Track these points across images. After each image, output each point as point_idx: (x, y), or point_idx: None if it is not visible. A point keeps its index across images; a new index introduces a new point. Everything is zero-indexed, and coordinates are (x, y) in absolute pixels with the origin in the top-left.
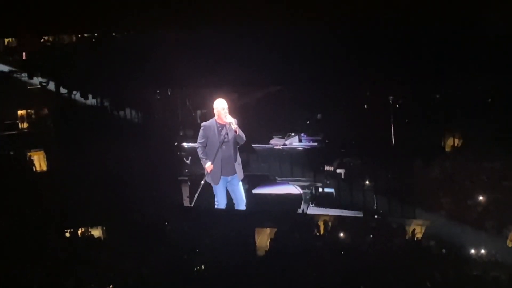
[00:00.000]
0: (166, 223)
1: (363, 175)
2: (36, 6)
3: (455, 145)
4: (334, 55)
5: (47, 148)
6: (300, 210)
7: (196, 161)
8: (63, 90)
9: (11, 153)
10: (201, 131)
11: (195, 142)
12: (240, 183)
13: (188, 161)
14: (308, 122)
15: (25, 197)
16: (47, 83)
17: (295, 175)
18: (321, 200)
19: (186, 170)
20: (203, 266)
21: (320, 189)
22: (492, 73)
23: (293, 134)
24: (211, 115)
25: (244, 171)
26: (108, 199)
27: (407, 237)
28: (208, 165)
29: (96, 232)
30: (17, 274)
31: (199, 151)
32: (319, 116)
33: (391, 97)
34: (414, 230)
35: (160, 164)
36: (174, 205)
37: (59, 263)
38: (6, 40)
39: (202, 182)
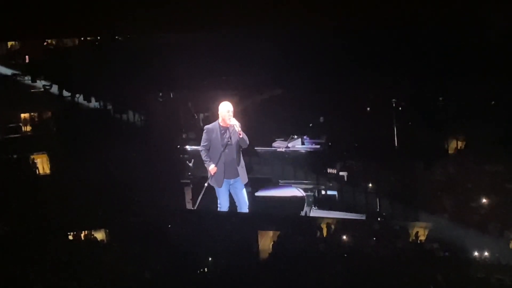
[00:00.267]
0: (169, 225)
1: (365, 177)
2: (39, 9)
3: (458, 148)
4: (337, 58)
5: (50, 151)
6: (303, 213)
7: (199, 164)
8: (66, 93)
9: (15, 156)
10: (204, 134)
11: (198, 145)
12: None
13: (190, 164)
14: (310, 125)
15: (28, 200)
16: (50, 86)
17: (298, 178)
18: (324, 203)
19: (189, 173)
20: (206, 269)
21: (323, 192)
22: (496, 76)
23: (295, 136)
24: (214, 118)
25: (247, 174)
26: (111, 202)
27: (410, 240)
28: (212, 168)
29: (99, 235)
30: (20, 277)
31: (203, 154)
32: (321, 118)
33: (394, 100)
34: (417, 232)
35: (163, 167)
36: (177, 208)
37: (62, 266)
38: (9, 44)
39: (206, 184)
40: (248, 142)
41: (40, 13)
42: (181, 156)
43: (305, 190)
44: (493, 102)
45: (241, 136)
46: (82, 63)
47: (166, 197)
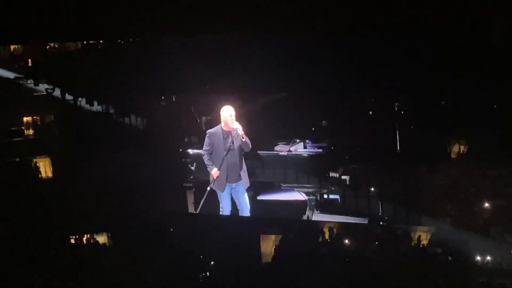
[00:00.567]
0: (171, 229)
1: (368, 181)
2: (41, 13)
3: (461, 151)
4: (339, 61)
5: (52, 155)
6: (305, 217)
7: (201, 167)
8: (68, 97)
9: (17, 159)
10: (206, 139)
11: (200, 148)
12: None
13: (193, 168)
14: (313, 128)
15: (30, 204)
16: (53, 89)
17: (300, 181)
18: (326, 207)
19: (191, 177)
20: (208, 273)
21: (325, 196)
22: (498, 79)
23: (298, 140)
24: (216, 121)
25: (249, 178)
26: (113, 206)
27: (412, 244)
28: (215, 171)
29: (101, 239)
30: (22, 280)
31: (205, 158)
32: (324, 122)
33: (396, 103)
34: (419, 237)
35: (165, 170)
36: (179, 212)
37: (64, 269)
38: (12, 47)
39: (208, 188)
40: (250, 146)
41: (42, 16)
42: (183, 160)
43: (307, 194)
44: (495, 106)
45: (244, 140)
46: (84, 67)
47: (168, 200)
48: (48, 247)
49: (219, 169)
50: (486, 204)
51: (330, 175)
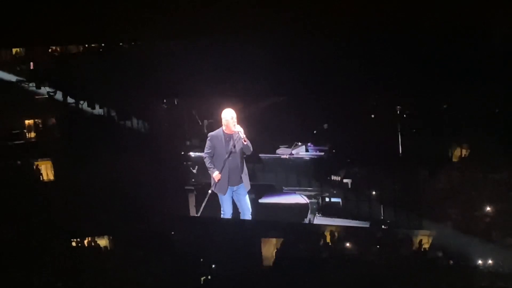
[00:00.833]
0: (172, 232)
1: (369, 185)
2: (43, 16)
3: (462, 155)
4: (341, 64)
5: (54, 158)
6: (306, 220)
7: (203, 170)
8: (70, 100)
9: (19, 162)
10: (208, 142)
11: (202, 151)
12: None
13: (194, 171)
14: (314, 132)
15: (32, 206)
16: (55, 92)
17: (302, 185)
18: (327, 210)
19: (193, 180)
20: (209, 276)
21: (327, 199)
22: (500, 83)
23: (299, 143)
24: (218, 124)
25: (250, 181)
26: (115, 209)
27: (414, 248)
28: (216, 174)
29: (103, 242)
30: (24, 282)
31: (206, 161)
32: (325, 126)
33: (398, 107)
34: (421, 240)
35: (167, 173)
36: (181, 215)
37: (66, 272)
38: (14, 50)
39: (209, 191)
40: (251, 149)
41: (44, 20)
42: (185, 162)
43: (309, 197)
44: (497, 110)
45: (245, 143)
46: (86, 70)
47: (170, 203)
48: (50, 250)
49: (220, 172)
50: (488, 208)
51: (332, 179)
